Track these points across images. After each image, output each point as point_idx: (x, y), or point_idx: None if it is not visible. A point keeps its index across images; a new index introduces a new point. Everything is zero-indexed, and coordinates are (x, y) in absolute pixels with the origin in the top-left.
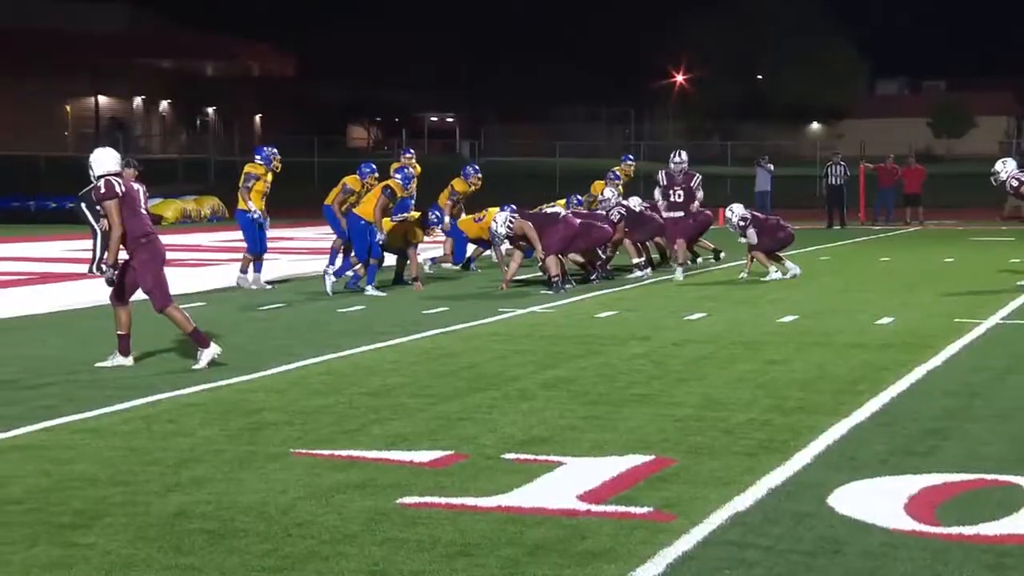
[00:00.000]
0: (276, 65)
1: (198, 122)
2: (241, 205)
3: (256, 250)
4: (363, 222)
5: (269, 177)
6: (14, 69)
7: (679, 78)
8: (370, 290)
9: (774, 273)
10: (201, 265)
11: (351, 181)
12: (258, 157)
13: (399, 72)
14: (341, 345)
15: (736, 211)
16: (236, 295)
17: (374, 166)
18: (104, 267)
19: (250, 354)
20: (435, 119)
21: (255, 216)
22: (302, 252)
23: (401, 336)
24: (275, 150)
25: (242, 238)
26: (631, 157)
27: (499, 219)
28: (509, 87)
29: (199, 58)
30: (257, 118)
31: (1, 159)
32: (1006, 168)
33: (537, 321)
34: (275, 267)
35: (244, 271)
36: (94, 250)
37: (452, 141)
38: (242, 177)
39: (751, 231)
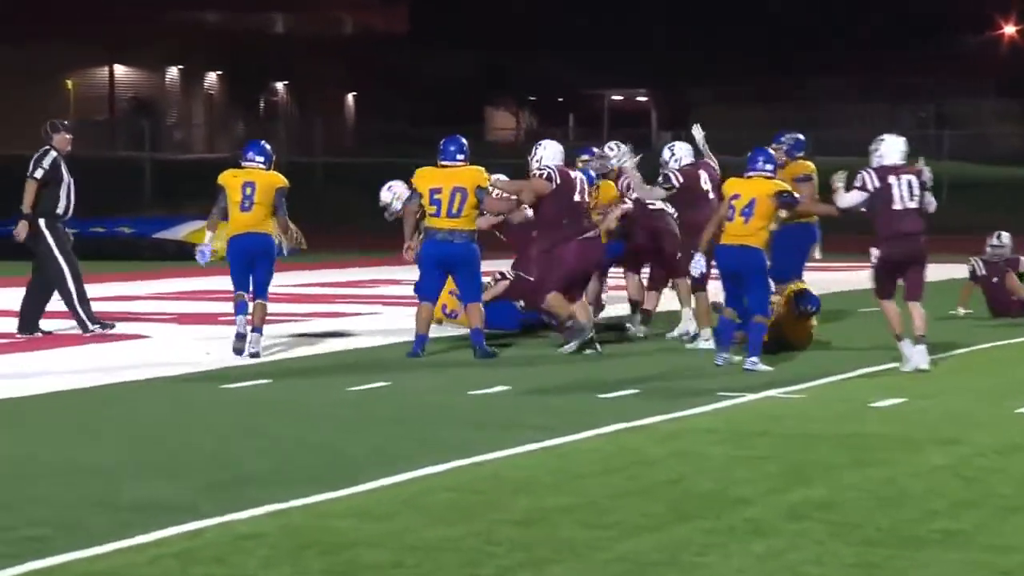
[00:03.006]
0: (378, 20)
1: (262, 104)
2: (267, 228)
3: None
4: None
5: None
6: None
7: (1007, 30)
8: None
9: None
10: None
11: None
12: (260, 158)
13: (562, 32)
14: (474, 445)
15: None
16: (313, 366)
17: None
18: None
19: (335, 458)
20: (619, 98)
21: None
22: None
23: (566, 433)
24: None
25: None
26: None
27: None
28: (732, 53)
29: (262, 9)
30: (350, 97)
31: None
32: None
33: (777, 411)
34: (365, 322)
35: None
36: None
37: (646, 130)
38: (276, 193)
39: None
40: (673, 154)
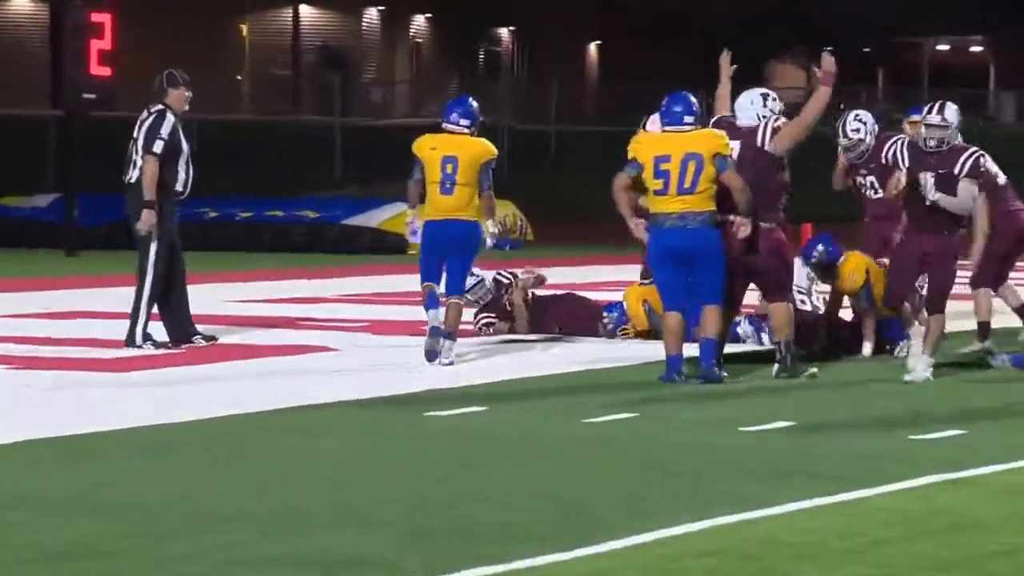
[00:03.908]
0: None
1: (481, 56)
2: (472, 213)
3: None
4: None
5: None
6: None
7: None
8: None
9: None
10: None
11: None
12: (466, 121)
13: None
14: (744, 497)
15: None
16: (538, 389)
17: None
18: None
19: (567, 508)
20: (944, 48)
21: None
22: None
23: (866, 484)
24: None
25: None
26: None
27: None
28: None
29: None
30: (593, 47)
31: (116, 124)
32: None
33: None
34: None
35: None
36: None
37: (981, 92)
38: (483, 168)
39: None
40: (864, 124)
